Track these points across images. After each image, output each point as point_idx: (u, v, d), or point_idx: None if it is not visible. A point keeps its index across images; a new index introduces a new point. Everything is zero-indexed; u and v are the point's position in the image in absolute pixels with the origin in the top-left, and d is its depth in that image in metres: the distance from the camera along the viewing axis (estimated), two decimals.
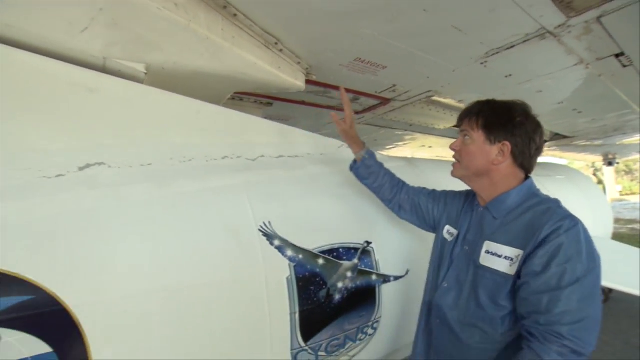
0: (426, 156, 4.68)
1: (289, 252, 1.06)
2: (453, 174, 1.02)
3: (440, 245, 1.08)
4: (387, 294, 1.29)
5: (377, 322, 1.28)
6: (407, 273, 1.37)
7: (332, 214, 1.26)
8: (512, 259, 0.84)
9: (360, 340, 1.24)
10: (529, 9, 1.15)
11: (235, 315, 0.95)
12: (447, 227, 1.07)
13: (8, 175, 0.78)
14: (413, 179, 1.61)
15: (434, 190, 1.22)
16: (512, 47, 1.42)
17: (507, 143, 0.90)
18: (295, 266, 1.06)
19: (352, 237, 1.24)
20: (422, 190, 1.23)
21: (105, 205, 0.86)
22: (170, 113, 1.08)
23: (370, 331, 1.26)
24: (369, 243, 1.27)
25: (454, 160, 1.03)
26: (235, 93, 1.70)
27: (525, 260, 0.82)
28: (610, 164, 5.71)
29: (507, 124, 0.90)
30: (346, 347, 1.20)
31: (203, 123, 1.15)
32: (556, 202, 0.88)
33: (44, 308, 0.71)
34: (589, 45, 1.43)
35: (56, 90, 0.88)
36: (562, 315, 0.75)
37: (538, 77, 1.78)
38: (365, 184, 1.30)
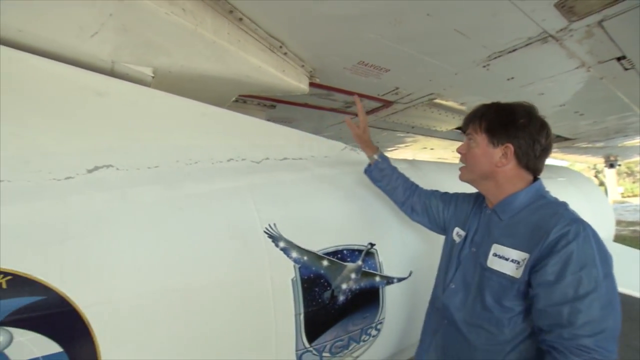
0: (428, 158, 4.69)
1: (294, 254, 1.07)
2: (460, 178, 1.03)
3: (449, 247, 1.09)
4: (390, 295, 1.30)
5: (380, 323, 1.28)
6: (410, 275, 1.38)
7: (336, 215, 1.27)
8: (518, 262, 0.84)
9: (364, 341, 1.25)
10: (531, 13, 1.16)
11: (241, 316, 0.96)
12: (456, 229, 1.08)
13: (19, 177, 0.79)
14: (415, 181, 1.62)
15: (445, 193, 1.23)
16: (514, 50, 1.43)
17: (510, 145, 0.90)
18: (300, 268, 1.07)
19: (355, 239, 1.25)
20: (434, 193, 1.25)
21: (114, 207, 0.87)
22: (177, 116, 1.10)
23: (373, 332, 1.27)
24: (372, 245, 1.28)
25: (456, 162, 1.04)
26: (239, 95, 1.71)
27: (533, 266, 0.81)
28: (611, 165, 5.71)
29: (509, 126, 0.91)
30: (350, 348, 1.21)
31: (208, 125, 1.16)
32: (563, 205, 0.88)
33: (54, 308, 0.72)
34: (590, 48, 1.44)
35: (66, 93, 0.89)
36: (585, 327, 0.73)
37: (540, 80, 1.79)
38: (378, 187, 1.34)
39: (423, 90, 1.97)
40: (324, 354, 1.13)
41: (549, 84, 1.84)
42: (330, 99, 2.07)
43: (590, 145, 4.03)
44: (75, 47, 0.88)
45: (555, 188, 0.95)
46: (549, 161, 0.99)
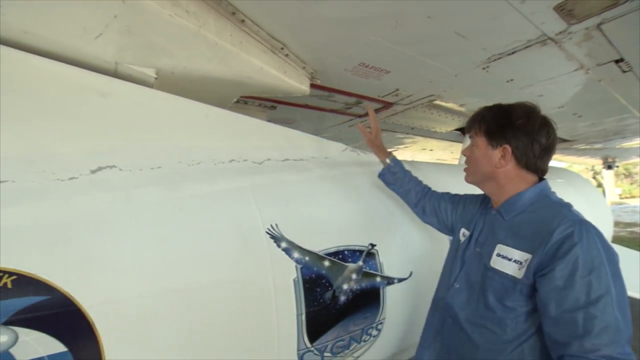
0: (427, 159, 4.71)
1: (296, 254, 1.08)
2: (465, 180, 1.05)
3: (455, 247, 1.10)
4: (391, 295, 1.31)
5: (381, 323, 1.29)
6: (410, 275, 1.38)
7: (337, 216, 1.27)
8: (520, 263, 0.85)
9: (364, 341, 1.26)
10: (531, 16, 1.17)
11: (244, 316, 0.97)
12: (463, 230, 1.09)
13: (23, 177, 0.80)
14: None
15: (455, 195, 1.25)
16: (513, 52, 1.44)
17: (507, 146, 0.91)
18: (301, 268, 1.08)
19: (356, 240, 1.26)
20: (444, 195, 1.27)
21: (117, 208, 0.88)
22: (179, 117, 1.10)
23: (374, 332, 1.28)
24: (373, 245, 1.29)
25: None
26: (240, 96, 1.72)
27: (538, 270, 0.80)
28: (609, 167, 5.75)
29: (506, 127, 0.92)
30: (351, 348, 1.22)
31: (211, 126, 1.17)
32: (567, 206, 0.87)
33: (59, 308, 0.72)
34: (589, 51, 1.46)
35: (69, 94, 0.90)
36: (603, 334, 0.71)
37: (539, 82, 1.81)
38: (392, 189, 1.39)
39: (423, 91, 1.98)
40: (325, 354, 1.14)
41: (548, 86, 1.86)
42: (330, 100, 2.08)
43: (588, 146, 4.06)
44: (79, 48, 0.89)
45: (553, 189, 0.96)
46: None
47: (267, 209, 1.10)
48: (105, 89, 0.95)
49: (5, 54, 0.79)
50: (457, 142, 3.25)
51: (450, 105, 2.28)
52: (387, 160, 1.37)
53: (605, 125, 3.00)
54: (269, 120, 1.83)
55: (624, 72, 1.70)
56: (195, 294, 0.90)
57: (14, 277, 0.69)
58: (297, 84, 1.49)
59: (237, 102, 1.85)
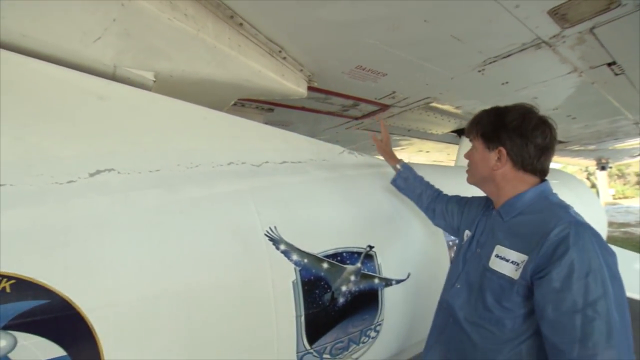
0: (423, 161, 4.73)
1: (295, 256, 1.08)
2: (467, 181, 1.07)
3: (459, 248, 1.12)
4: (389, 297, 1.31)
5: (379, 324, 1.29)
6: (408, 276, 1.39)
7: (335, 218, 1.28)
8: (517, 264, 0.85)
9: (363, 343, 1.26)
10: (525, 20, 1.19)
11: (243, 319, 0.97)
12: (466, 231, 1.11)
13: (21, 181, 0.79)
14: None
15: (463, 197, 1.26)
16: (508, 55, 1.46)
17: (502, 149, 0.93)
18: (300, 270, 1.08)
19: (355, 242, 1.26)
20: (453, 197, 1.29)
21: (116, 211, 0.87)
22: (178, 120, 1.10)
23: (373, 334, 1.28)
24: (371, 247, 1.30)
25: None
26: (237, 99, 1.72)
27: (535, 272, 0.80)
28: (603, 168, 5.81)
29: (499, 129, 0.93)
30: (350, 349, 1.22)
31: (209, 129, 1.17)
32: (565, 208, 0.87)
33: (58, 312, 0.72)
34: (582, 54, 1.48)
35: (68, 97, 0.90)
36: (601, 337, 0.70)
37: (534, 84, 1.83)
38: (404, 194, 1.45)
39: (419, 94, 1.99)
40: (324, 356, 1.14)
41: (542, 88, 1.88)
42: (327, 102, 2.09)
43: (582, 148, 4.10)
44: (78, 51, 0.89)
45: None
46: None
47: (265, 212, 1.10)
48: (104, 92, 0.95)
49: (3, 57, 0.79)
50: (453, 144, 3.27)
51: (446, 107, 2.30)
52: (398, 166, 1.43)
53: (599, 127, 3.04)
54: (266, 123, 1.83)
55: (616, 74, 1.73)
56: (194, 296, 0.90)
57: (13, 281, 0.69)
58: (294, 86, 1.49)
59: (235, 104, 1.85)
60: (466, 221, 1.15)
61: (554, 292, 0.76)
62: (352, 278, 1.21)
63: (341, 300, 1.17)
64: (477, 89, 1.89)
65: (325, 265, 1.15)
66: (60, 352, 0.71)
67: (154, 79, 1.06)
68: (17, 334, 0.67)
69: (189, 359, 0.88)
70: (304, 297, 1.07)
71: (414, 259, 1.44)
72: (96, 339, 0.75)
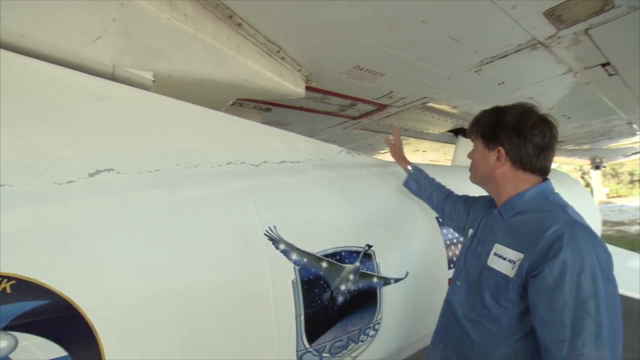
0: (419, 160, 4.75)
1: (294, 256, 1.09)
2: (470, 181, 1.09)
3: (462, 246, 1.14)
4: (387, 296, 1.32)
5: (378, 323, 1.30)
6: (406, 275, 1.40)
7: (333, 217, 1.28)
8: (514, 262, 0.86)
9: (362, 341, 1.27)
10: (522, 21, 1.20)
11: (243, 318, 0.97)
12: (470, 230, 1.12)
13: (20, 181, 0.79)
14: None
15: (471, 197, 1.28)
16: (505, 56, 1.48)
17: (501, 148, 0.94)
18: (300, 269, 1.09)
19: (353, 241, 1.27)
20: (461, 197, 1.31)
21: (116, 211, 0.87)
22: (177, 120, 1.10)
23: (371, 332, 1.29)
24: (369, 246, 1.30)
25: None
26: (236, 99, 1.72)
27: (530, 270, 0.81)
28: (597, 167, 5.87)
29: (498, 129, 0.94)
30: (349, 348, 1.23)
31: (208, 129, 1.17)
32: (562, 207, 0.87)
33: (58, 312, 0.72)
34: (577, 55, 1.50)
35: (67, 97, 0.90)
36: (590, 337, 0.71)
37: (529, 84, 1.85)
38: (416, 195, 1.49)
39: (416, 94, 2.01)
40: (323, 355, 1.15)
41: (537, 88, 1.90)
42: (325, 102, 2.10)
43: (577, 147, 4.15)
44: (77, 51, 0.89)
45: None
46: None
47: (265, 211, 1.10)
48: (103, 92, 0.95)
49: (2, 57, 0.78)
50: (450, 143, 3.29)
51: (443, 107, 2.32)
52: (409, 168, 1.50)
53: (593, 126, 3.08)
54: (263, 123, 1.84)
55: (610, 75, 1.75)
56: (194, 296, 0.90)
57: (13, 281, 0.68)
58: (292, 86, 1.50)
59: (233, 104, 1.85)
60: (471, 220, 1.17)
61: (547, 290, 0.77)
62: (351, 277, 1.21)
63: (340, 299, 1.17)
64: (473, 89, 1.91)
65: (324, 264, 1.15)
66: (61, 352, 0.71)
67: (153, 79, 1.06)
68: (17, 334, 0.67)
69: (189, 358, 0.88)
70: (303, 296, 1.08)
71: (412, 257, 1.45)
72: (97, 338, 0.75)
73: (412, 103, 2.15)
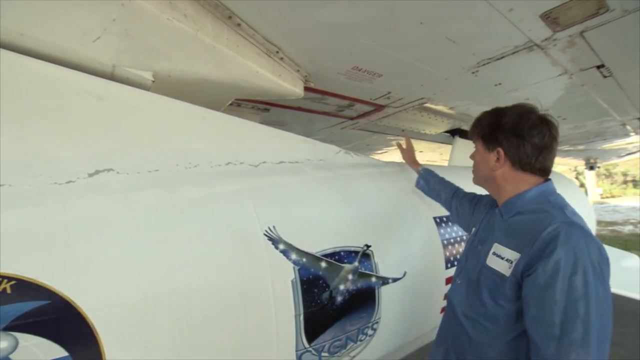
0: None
1: (293, 256, 1.09)
2: (473, 182, 1.10)
3: (465, 244, 1.15)
4: (386, 295, 1.33)
5: (376, 322, 1.31)
6: (404, 275, 1.41)
7: (332, 218, 1.29)
8: (511, 262, 0.87)
9: (360, 340, 1.28)
10: (518, 23, 1.22)
11: (243, 317, 0.97)
12: (473, 228, 1.13)
13: (20, 181, 0.79)
14: (408, 183, 1.67)
15: (477, 195, 1.29)
16: (501, 57, 1.49)
17: (500, 149, 0.95)
18: (299, 269, 1.09)
19: (352, 241, 1.28)
20: (467, 195, 1.33)
21: (115, 211, 0.87)
22: (176, 120, 1.10)
23: (370, 332, 1.30)
24: (368, 246, 1.31)
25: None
26: (234, 99, 1.72)
27: (525, 270, 0.82)
28: (591, 168, 5.92)
29: (497, 130, 0.95)
30: (347, 347, 1.23)
31: (207, 129, 1.17)
32: (561, 208, 0.87)
33: (59, 313, 0.72)
34: (572, 57, 1.52)
35: (66, 97, 0.89)
36: (578, 337, 0.72)
37: (525, 85, 1.87)
38: (427, 195, 1.56)
39: (414, 94, 2.02)
40: (322, 354, 1.15)
41: (533, 89, 1.92)
42: (323, 102, 2.10)
43: (571, 148, 4.19)
44: (77, 51, 0.88)
45: None
46: None
47: (264, 211, 1.11)
48: (102, 92, 0.94)
49: (2, 56, 0.78)
50: (447, 144, 3.31)
51: (440, 108, 2.33)
52: (420, 170, 1.59)
53: (588, 127, 3.11)
54: (261, 123, 1.84)
55: (605, 77, 1.78)
56: (194, 296, 0.90)
57: (13, 282, 0.68)
58: (291, 86, 1.50)
59: (231, 104, 1.85)
60: (474, 218, 1.18)
61: (539, 288, 0.78)
62: (350, 277, 1.22)
63: (339, 298, 1.18)
64: (470, 90, 1.93)
65: (323, 264, 1.16)
66: (61, 352, 0.71)
67: (153, 79, 1.06)
68: (18, 334, 0.67)
69: (189, 357, 0.88)
70: (302, 295, 1.08)
71: (410, 257, 1.46)
72: (97, 338, 0.75)
73: (409, 104, 2.16)
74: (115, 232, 0.85)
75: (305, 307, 1.09)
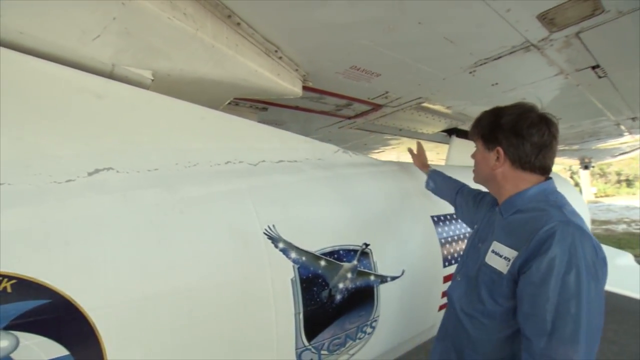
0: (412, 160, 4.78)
1: (293, 254, 1.10)
2: (473, 181, 1.12)
3: (467, 241, 1.16)
4: (384, 293, 1.34)
5: (375, 321, 1.32)
6: (403, 273, 1.42)
7: (331, 216, 1.30)
8: (508, 260, 0.87)
9: (359, 339, 1.28)
10: (515, 24, 1.23)
11: (243, 316, 0.98)
12: (475, 225, 1.15)
13: (19, 180, 0.78)
14: (406, 183, 1.68)
15: (480, 192, 1.30)
16: (499, 57, 1.50)
17: (500, 148, 0.95)
18: (299, 268, 1.10)
19: (351, 239, 1.29)
20: (472, 192, 1.35)
21: (115, 210, 0.87)
22: (176, 119, 1.10)
23: (369, 330, 1.31)
24: (367, 245, 1.32)
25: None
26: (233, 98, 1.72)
27: (521, 268, 0.83)
28: (586, 167, 5.98)
29: (496, 129, 0.96)
30: (347, 345, 1.24)
31: (207, 128, 1.17)
32: (559, 207, 0.87)
33: (60, 312, 0.72)
34: (568, 57, 1.54)
35: (66, 96, 0.89)
36: (568, 335, 0.73)
37: (522, 85, 1.89)
38: (436, 194, 1.60)
39: (412, 94, 2.03)
40: (322, 352, 1.16)
41: (530, 89, 1.94)
42: (321, 102, 2.11)
43: (566, 147, 4.23)
44: (76, 50, 0.88)
45: None
46: None
47: (264, 210, 1.11)
48: (102, 90, 0.94)
49: (1, 55, 0.78)
50: (443, 143, 3.33)
51: (437, 107, 2.34)
52: (428, 172, 1.64)
53: (583, 127, 3.14)
54: (260, 122, 1.84)
55: (600, 77, 1.80)
56: (195, 295, 0.90)
57: (14, 281, 0.68)
58: (290, 86, 1.51)
59: (229, 103, 1.85)
60: (477, 216, 1.20)
61: (533, 285, 0.79)
62: (349, 275, 1.23)
63: (338, 297, 1.19)
64: (467, 89, 1.94)
65: (322, 262, 1.16)
66: (63, 351, 0.71)
67: (152, 78, 1.06)
68: (19, 334, 0.67)
69: (190, 355, 0.88)
70: (302, 294, 1.09)
71: (408, 256, 1.47)
72: (98, 337, 0.75)
73: (407, 103, 2.17)
74: (115, 230, 0.85)
75: (305, 305, 1.09)
